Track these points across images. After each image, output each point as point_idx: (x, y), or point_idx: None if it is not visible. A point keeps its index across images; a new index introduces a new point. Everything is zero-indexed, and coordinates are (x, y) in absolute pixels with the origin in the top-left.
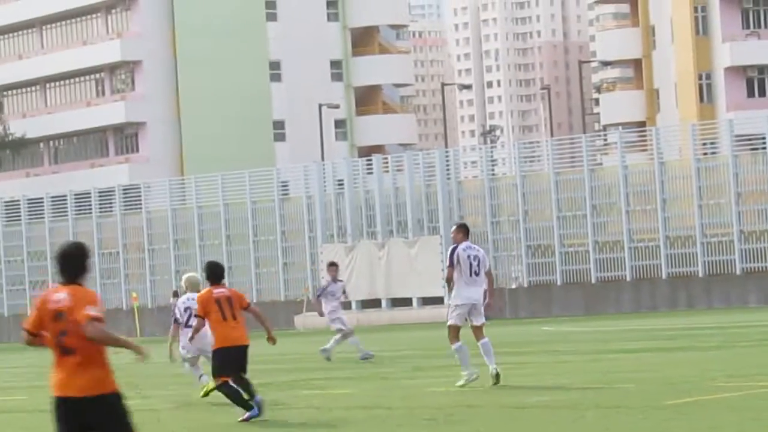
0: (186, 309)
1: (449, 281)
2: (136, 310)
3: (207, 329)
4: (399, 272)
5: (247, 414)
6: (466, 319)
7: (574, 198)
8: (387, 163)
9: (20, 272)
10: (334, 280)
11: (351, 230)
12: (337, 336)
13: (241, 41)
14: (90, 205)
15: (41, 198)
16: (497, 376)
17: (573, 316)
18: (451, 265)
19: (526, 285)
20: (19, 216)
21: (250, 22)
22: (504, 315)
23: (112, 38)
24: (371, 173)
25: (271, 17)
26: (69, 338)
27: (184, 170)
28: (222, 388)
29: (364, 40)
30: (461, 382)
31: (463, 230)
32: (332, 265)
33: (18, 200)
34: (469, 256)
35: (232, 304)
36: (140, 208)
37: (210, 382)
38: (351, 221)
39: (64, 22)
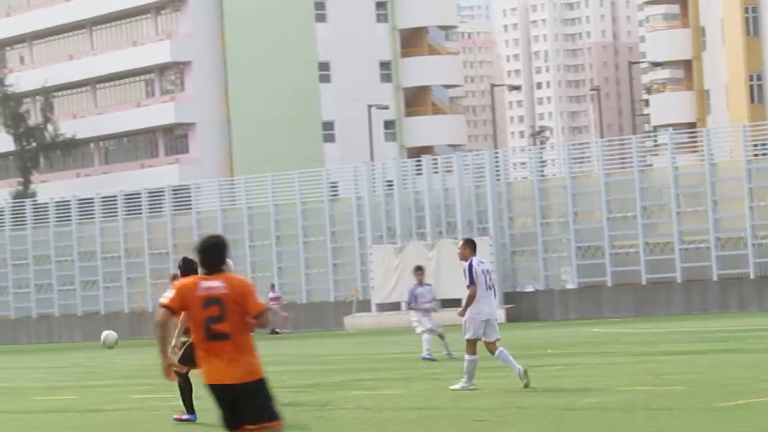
0: None
1: (472, 299)
2: None
3: None
4: (448, 273)
5: (186, 416)
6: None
7: (624, 199)
8: (436, 164)
9: (71, 272)
10: (420, 283)
11: (400, 231)
12: (427, 336)
13: (290, 42)
14: (140, 205)
15: (92, 198)
16: (526, 373)
17: (623, 317)
18: (473, 282)
19: (576, 286)
20: (70, 216)
21: (299, 23)
22: (554, 316)
23: (161, 39)
24: (420, 174)
25: (320, 18)
26: (223, 324)
27: (234, 171)
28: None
29: (413, 41)
30: (457, 387)
31: (471, 245)
32: (418, 270)
33: (69, 200)
34: (483, 271)
35: None
36: (190, 208)
37: None
38: (400, 222)
39: (114, 23)
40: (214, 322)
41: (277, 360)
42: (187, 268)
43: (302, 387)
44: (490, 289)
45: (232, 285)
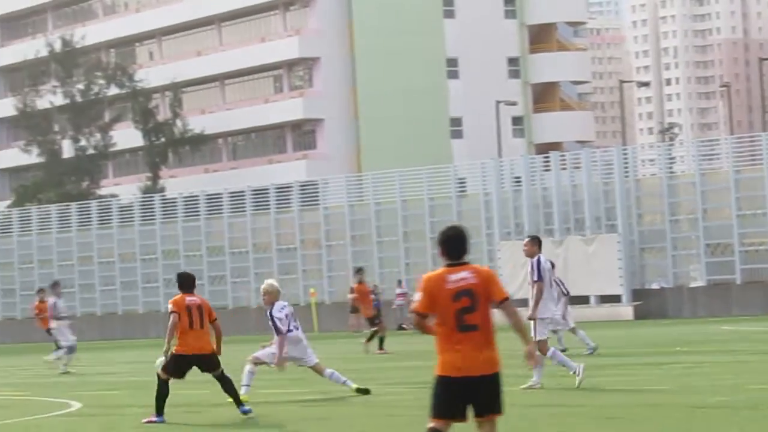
0: (287, 316)
1: (541, 294)
2: (314, 305)
3: (303, 338)
4: (576, 270)
5: (155, 418)
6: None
7: (754, 196)
8: (565, 160)
9: (199, 267)
10: None
11: (528, 227)
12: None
13: (418, 38)
14: (268, 201)
15: (220, 194)
16: (530, 388)
17: (752, 315)
18: (540, 278)
19: (705, 284)
20: (198, 211)
21: (428, 19)
22: (682, 314)
23: (290, 35)
24: (549, 170)
25: (449, 14)
26: (474, 315)
27: (361, 167)
28: (160, 381)
29: (541, 37)
30: (579, 378)
31: (537, 242)
32: None
33: (197, 196)
34: (548, 270)
35: (202, 312)
36: (318, 204)
37: (354, 384)
38: (528, 218)
39: (242, 19)
40: (466, 313)
41: (403, 355)
42: (182, 282)
43: (427, 383)
44: (550, 287)
45: (481, 275)
